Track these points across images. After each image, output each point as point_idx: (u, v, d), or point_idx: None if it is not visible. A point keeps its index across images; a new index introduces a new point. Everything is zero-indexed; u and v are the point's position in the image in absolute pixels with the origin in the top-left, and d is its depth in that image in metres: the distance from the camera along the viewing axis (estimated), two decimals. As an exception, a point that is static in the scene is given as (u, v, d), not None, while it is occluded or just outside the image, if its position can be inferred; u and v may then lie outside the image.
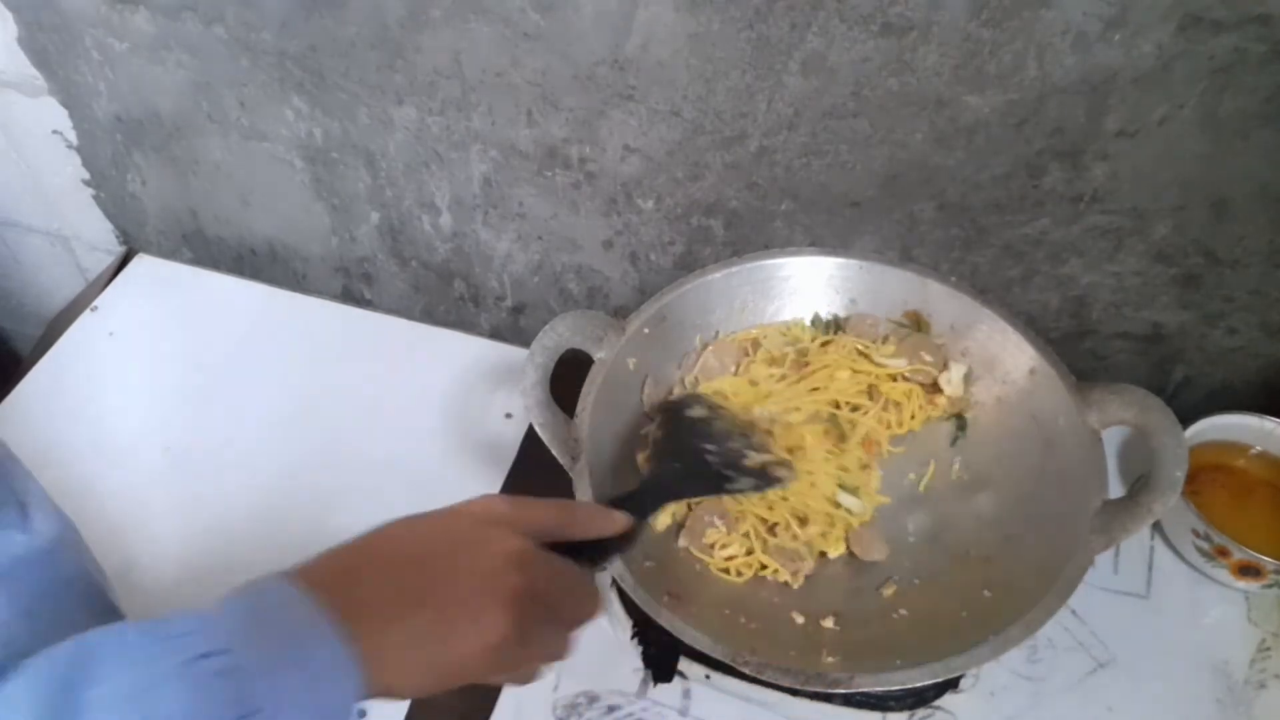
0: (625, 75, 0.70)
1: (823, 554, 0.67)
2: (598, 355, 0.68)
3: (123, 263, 0.98)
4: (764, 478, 0.62)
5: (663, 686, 0.66)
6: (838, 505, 0.67)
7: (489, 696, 0.66)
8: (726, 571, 0.66)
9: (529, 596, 0.40)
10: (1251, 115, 0.61)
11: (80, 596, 0.49)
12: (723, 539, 0.66)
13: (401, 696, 0.40)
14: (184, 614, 0.37)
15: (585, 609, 0.44)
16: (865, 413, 0.70)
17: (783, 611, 0.64)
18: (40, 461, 0.79)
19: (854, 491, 0.68)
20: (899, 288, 0.73)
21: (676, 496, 0.62)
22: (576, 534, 0.45)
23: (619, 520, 0.48)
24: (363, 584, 0.39)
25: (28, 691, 0.34)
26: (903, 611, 0.64)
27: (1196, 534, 0.67)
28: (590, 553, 0.46)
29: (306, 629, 0.36)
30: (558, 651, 0.44)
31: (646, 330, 0.70)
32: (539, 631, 0.42)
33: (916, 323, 0.73)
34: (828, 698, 0.64)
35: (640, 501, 0.52)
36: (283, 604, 0.37)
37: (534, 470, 0.75)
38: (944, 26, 0.61)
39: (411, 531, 0.42)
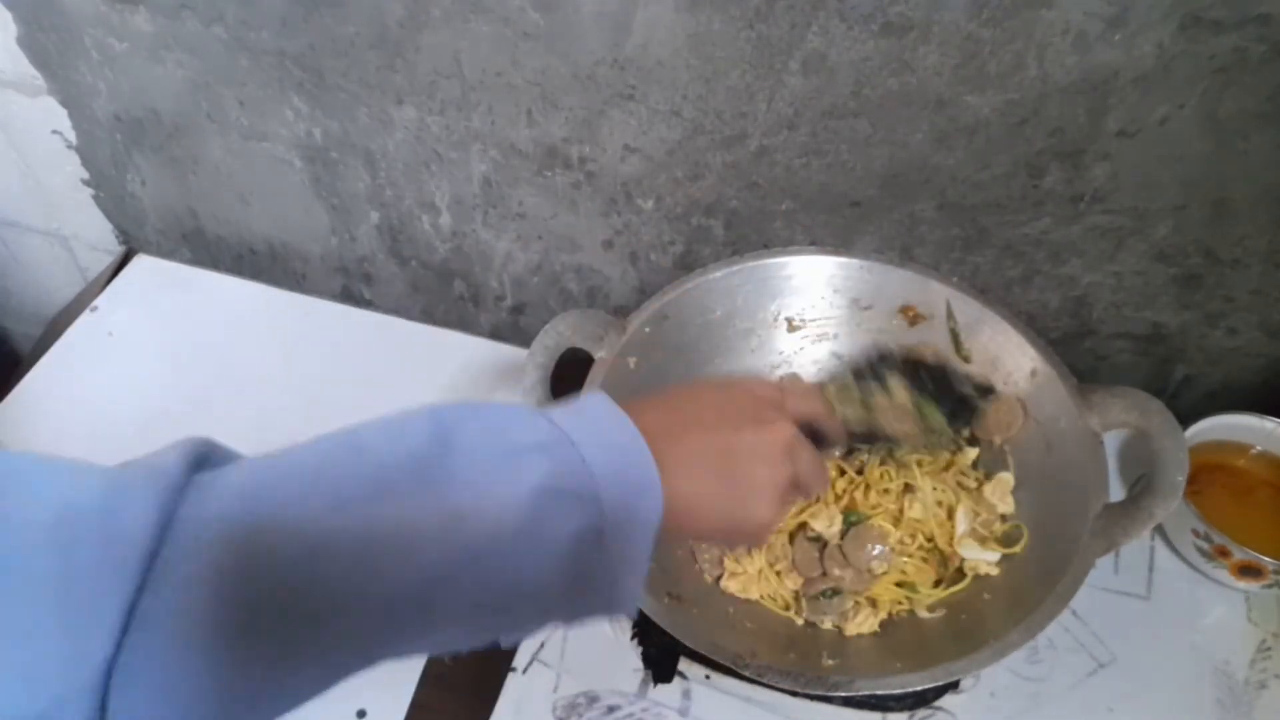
0: (625, 75, 0.70)
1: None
2: (598, 355, 0.68)
3: (122, 262, 0.98)
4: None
5: (663, 687, 0.66)
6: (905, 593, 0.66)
7: (489, 696, 0.66)
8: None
9: (793, 484, 0.48)
10: (1252, 115, 0.61)
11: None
12: (733, 568, 0.66)
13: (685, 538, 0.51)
14: (534, 414, 0.42)
15: (823, 487, 0.51)
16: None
17: (783, 613, 0.64)
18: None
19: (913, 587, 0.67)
20: (899, 288, 0.73)
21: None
22: (817, 423, 0.52)
23: (839, 431, 0.55)
24: (680, 443, 0.44)
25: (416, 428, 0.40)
26: (903, 615, 0.64)
27: (1197, 534, 0.67)
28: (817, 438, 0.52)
29: (640, 470, 0.42)
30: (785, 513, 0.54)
31: (647, 329, 0.70)
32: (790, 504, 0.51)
33: (914, 318, 0.73)
34: (828, 698, 0.64)
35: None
36: (615, 425, 0.43)
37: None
38: (944, 26, 0.61)
39: (714, 400, 0.48)
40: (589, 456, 0.40)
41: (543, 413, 0.42)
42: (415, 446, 0.38)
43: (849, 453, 0.70)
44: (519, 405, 0.44)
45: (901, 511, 0.67)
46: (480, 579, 0.38)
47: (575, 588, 0.41)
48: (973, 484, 0.68)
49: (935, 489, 0.67)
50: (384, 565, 0.36)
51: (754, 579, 0.65)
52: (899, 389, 0.62)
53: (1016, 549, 0.64)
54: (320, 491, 0.37)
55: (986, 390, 0.65)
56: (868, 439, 0.59)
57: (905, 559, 0.65)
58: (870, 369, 0.62)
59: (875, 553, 0.64)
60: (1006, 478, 0.67)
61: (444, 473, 0.38)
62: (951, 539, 0.66)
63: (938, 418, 0.61)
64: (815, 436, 0.51)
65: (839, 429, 0.55)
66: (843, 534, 0.66)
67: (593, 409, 0.43)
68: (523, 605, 0.40)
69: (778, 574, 0.66)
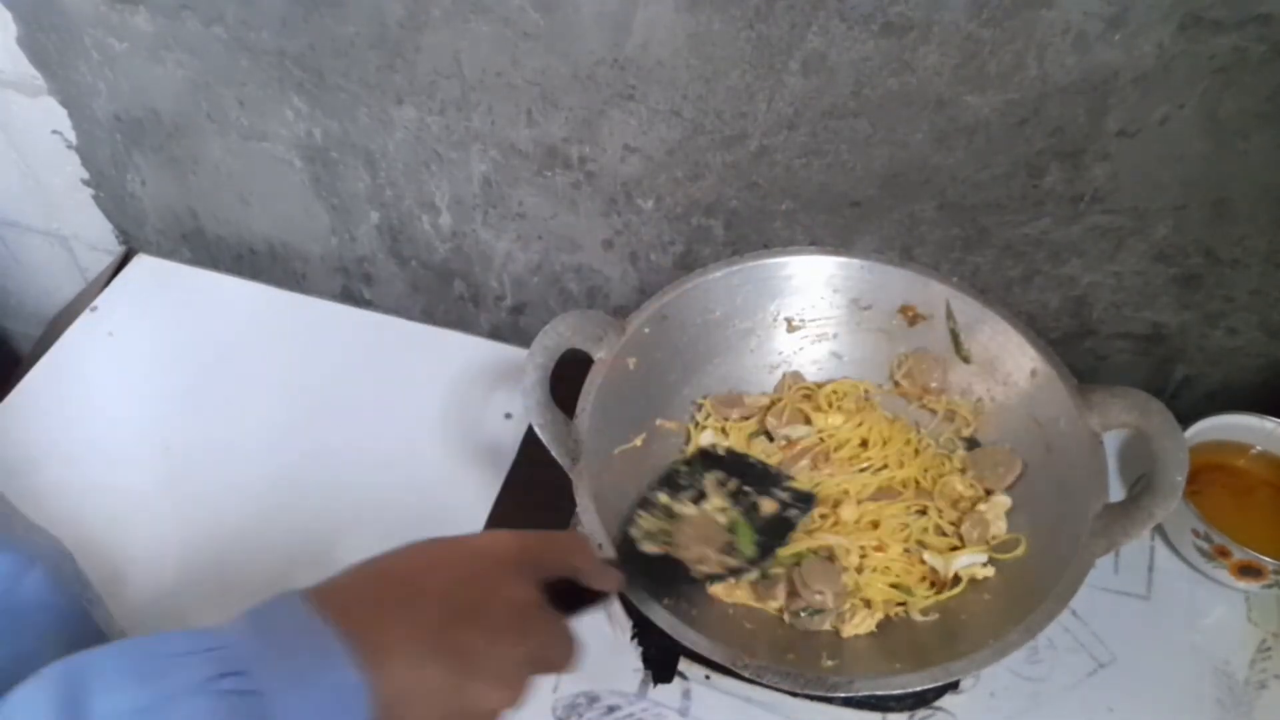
0: (625, 75, 0.70)
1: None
2: (598, 355, 0.68)
3: (122, 262, 0.98)
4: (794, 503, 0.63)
5: (662, 687, 0.66)
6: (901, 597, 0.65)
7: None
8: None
9: (531, 659, 0.43)
10: (1252, 115, 0.61)
11: (48, 624, 0.49)
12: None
13: None
14: (195, 633, 0.37)
15: (568, 663, 0.46)
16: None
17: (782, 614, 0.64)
18: (40, 461, 0.80)
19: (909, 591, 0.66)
20: (899, 287, 0.73)
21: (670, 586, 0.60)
22: (579, 579, 0.48)
23: (614, 580, 0.50)
24: (383, 620, 0.39)
25: (31, 709, 0.34)
26: (902, 615, 0.64)
27: (1197, 534, 0.67)
28: (574, 598, 0.48)
29: (325, 659, 0.37)
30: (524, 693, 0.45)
31: (647, 330, 0.70)
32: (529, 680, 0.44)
33: (913, 318, 0.73)
34: (828, 699, 0.64)
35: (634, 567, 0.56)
36: (301, 630, 0.38)
37: (533, 471, 0.75)
38: (944, 26, 0.61)
39: (430, 565, 0.43)
40: (266, 684, 0.36)
41: (211, 639, 0.37)
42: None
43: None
44: (182, 641, 0.37)
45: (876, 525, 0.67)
46: None
47: None
48: (967, 499, 0.68)
49: (908, 522, 0.67)
50: None
51: (736, 585, 0.65)
52: (716, 497, 0.63)
53: (1011, 555, 0.64)
54: None
55: (806, 499, 0.64)
56: (663, 569, 0.58)
57: (892, 560, 0.65)
58: (689, 473, 0.63)
59: (822, 595, 0.62)
60: (1003, 500, 0.67)
61: None
62: (945, 545, 0.66)
63: (748, 542, 0.61)
64: (577, 592, 0.48)
65: (609, 577, 0.49)
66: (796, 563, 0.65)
67: (277, 616, 0.38)
68: None
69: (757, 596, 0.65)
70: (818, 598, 0.62)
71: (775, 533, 0.62)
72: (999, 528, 0.66)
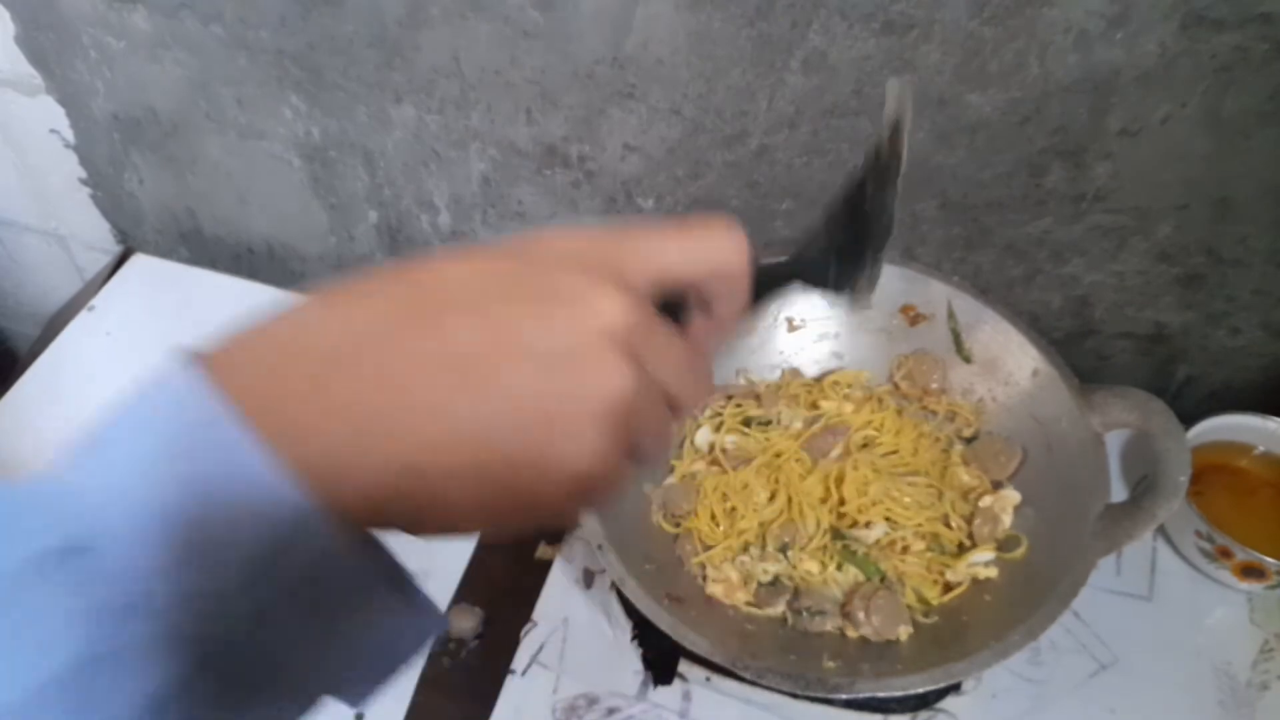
0: (625, 73, 0.70)
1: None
2: (597, 355, 0.68)
3: (120, 262, 0.98)
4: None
5: (662, 689, 0.66)
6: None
7: (488, 699, 0.66)
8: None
9: (635, 394, 0.27)
10: (1254, 114, 0.61)
11: None
12: (714, 574, 0.65)
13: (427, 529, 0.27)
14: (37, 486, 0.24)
15: (699, 393, 0.30)
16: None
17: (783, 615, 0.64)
18: (37, 461, 0.80)
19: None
20: (900, 287, 0.72)
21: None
22: (709, 282, 0.31)
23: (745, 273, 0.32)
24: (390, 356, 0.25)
25: None
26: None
27: (1199, 535, 0.67)
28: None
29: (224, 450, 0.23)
30: (654, 452, 0.29)
31: (646, 330, 0.69)
32: (640, 435, 0.28)
33: (914, 318, 0.73)
34: (829, 700, 0.64)
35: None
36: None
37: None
38: (945, 25, 0.61)
39: (468, 273, 0.26)
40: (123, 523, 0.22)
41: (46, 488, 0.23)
42: None
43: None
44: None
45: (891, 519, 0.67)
46: None
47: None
48: (976, 490, 0.68)
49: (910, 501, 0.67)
50: None
51: (736, 586, 0.64)
52: None
53: (1013, 555, 0.64)
54: None
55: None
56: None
57: (909, 558, 0.65)
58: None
59: (825, 610, 0.63)
60: (1013, 495, 0.66)
61: None
62: (955, 540, 0.66)
63: None
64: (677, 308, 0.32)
65: (749, 268, 0.32)
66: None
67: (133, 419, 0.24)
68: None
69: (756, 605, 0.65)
70: (868, 628, 0.61)
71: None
72: (1006, 522, 0.65)
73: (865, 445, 0.70)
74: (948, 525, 0.66)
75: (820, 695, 0.59)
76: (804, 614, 0.62)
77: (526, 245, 0.28)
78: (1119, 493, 0.62)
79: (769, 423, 0.72)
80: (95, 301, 0.93)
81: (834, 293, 0.41)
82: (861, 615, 0.61)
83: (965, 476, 0.68)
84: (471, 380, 0.25)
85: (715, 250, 0.31)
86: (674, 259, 0.29)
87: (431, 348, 0.25)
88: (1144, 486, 0.59)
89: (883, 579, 0.64)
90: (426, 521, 0.26)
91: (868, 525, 0.66)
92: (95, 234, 1.06)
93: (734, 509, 0.67)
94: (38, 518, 0.23)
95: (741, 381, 0.75)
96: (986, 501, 0.66)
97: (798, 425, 0.72)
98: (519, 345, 0.25)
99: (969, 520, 0.67)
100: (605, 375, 0.26)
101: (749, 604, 0.64)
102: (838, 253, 0.40)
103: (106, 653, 0.22)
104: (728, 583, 0.64)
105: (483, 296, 0.26)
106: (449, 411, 0.25)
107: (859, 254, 0.40)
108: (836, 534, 0.66)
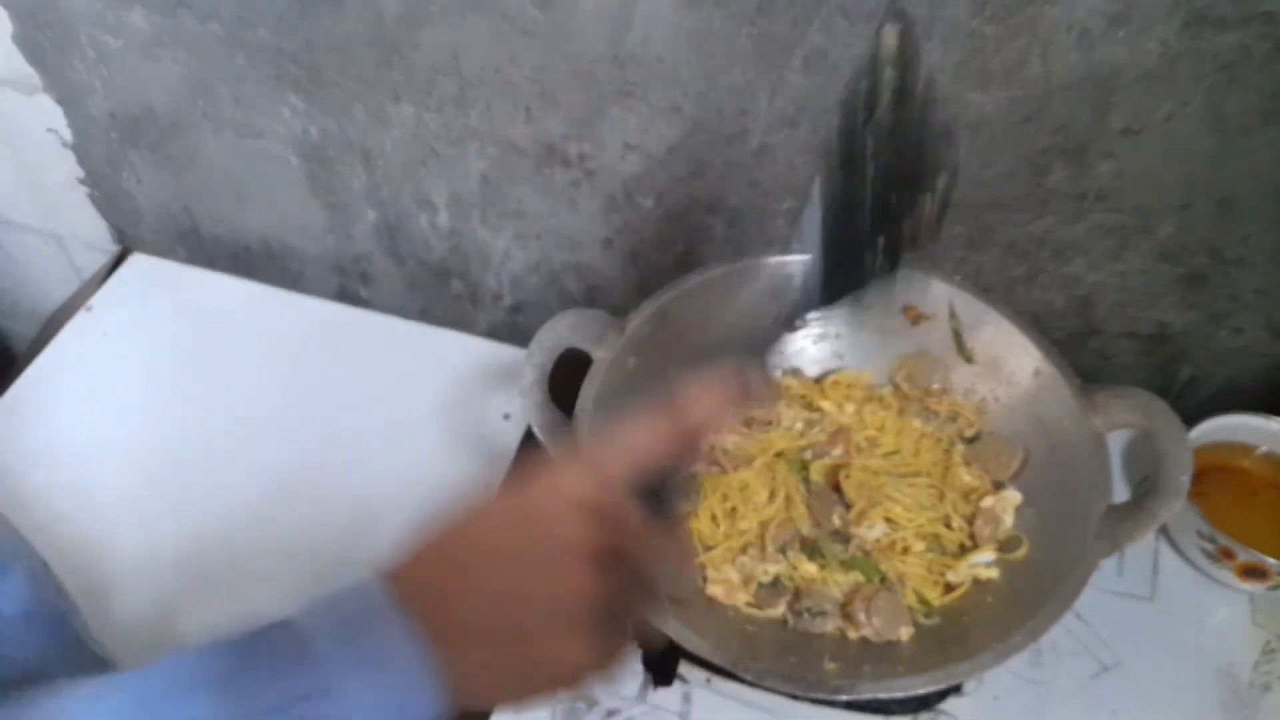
0: (625, 71, 0.69)
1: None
2: (597, 355, 0.67)
3: (117, 261, 0.98)
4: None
5: (663, 690, 0.65)
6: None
7: (487, 700, 0.65)
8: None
9: (608, 613, 0.39)
10: (1256, 113, 0.60)
11: (25, 630, 0.48)
12: (714, 575, 0.65)
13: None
14: (279, 643, 0.36)
15: (650, 600, 0.42)
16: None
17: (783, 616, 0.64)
18: (35, 461, 0.80)
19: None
20: (901, 287, 0.72)
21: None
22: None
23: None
24: (451, 603, 0.37)
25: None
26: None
27: (1201, 536, 0.67)
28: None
29: (398, 649, 0.35)
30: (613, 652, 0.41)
31: (647, 329, 0.69)
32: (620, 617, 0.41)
33: (916, 318, 0.72)
34: (830, 702, 0.63)
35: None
36: (374, 617, 0.36)
37: (533, 472, 0.74)
38: (947, 23, 0.61)
39: (500, 534, 0.39)
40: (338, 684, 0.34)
41: (292, 649, 0.35)
42: None
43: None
44: (259, 647, 0.36)
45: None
46: None
47: None
48: (977, 491, 0.68)
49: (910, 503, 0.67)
50: None
51: (737, 587, 0.64)
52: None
53: (1014, 555, 0.64)
54: None
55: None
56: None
57: (910, 559, 0.65)
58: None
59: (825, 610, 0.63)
60: (1014, 496, 0.66)
61: None
62: (956, 540, 0.66)
63: None
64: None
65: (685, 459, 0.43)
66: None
67: (353, 607, 0.37)
68: None
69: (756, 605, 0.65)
70: (869, 629, 0.61)
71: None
72: (1007, 523, 0.65)
73: (866, 447, 0.70)
74: (948, 526, 0.66)
75: (821, 697, 0.59)
76: (804, 615, 0.62)
77: (539, 492, 0.40)
78: (1121, 493, 0.61)
79: (769, 423, 0.72)
80: (93, 301, 0.93)
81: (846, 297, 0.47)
82: (862, 616, 0.61)
83: (966, 477, 0.68)
84: (506, 609, 0.38)
85: (680, 434, 0.42)
86: (645, 453, 0.41)
87: (486, 586, 0.38)
88: (1146, 487, 0.59)
89: (883, 580, 0.64)
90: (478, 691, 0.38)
91: (869, 526, 0.65)
92: (93, 233, 1.06)
93: (734, 509, 0.67)
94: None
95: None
96: (988, 503, 0.66)
97: (799, 426, 0.71)
98: (526, 583, 0.38)
99: (970, 521, 0.66)
100: (577, 585, 0.38)
101: (749, 605, 0.64)
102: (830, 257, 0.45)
103: None
104: (728, 584, 0.63)
105: (503, 549, 0.39)
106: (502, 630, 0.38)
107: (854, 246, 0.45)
108: (838, 535, 0.66)
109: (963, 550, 0.65)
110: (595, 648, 0.38)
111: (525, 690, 0.39)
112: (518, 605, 0.38)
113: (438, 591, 0.37)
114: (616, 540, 0.39)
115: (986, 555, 0.64)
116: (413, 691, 0.35)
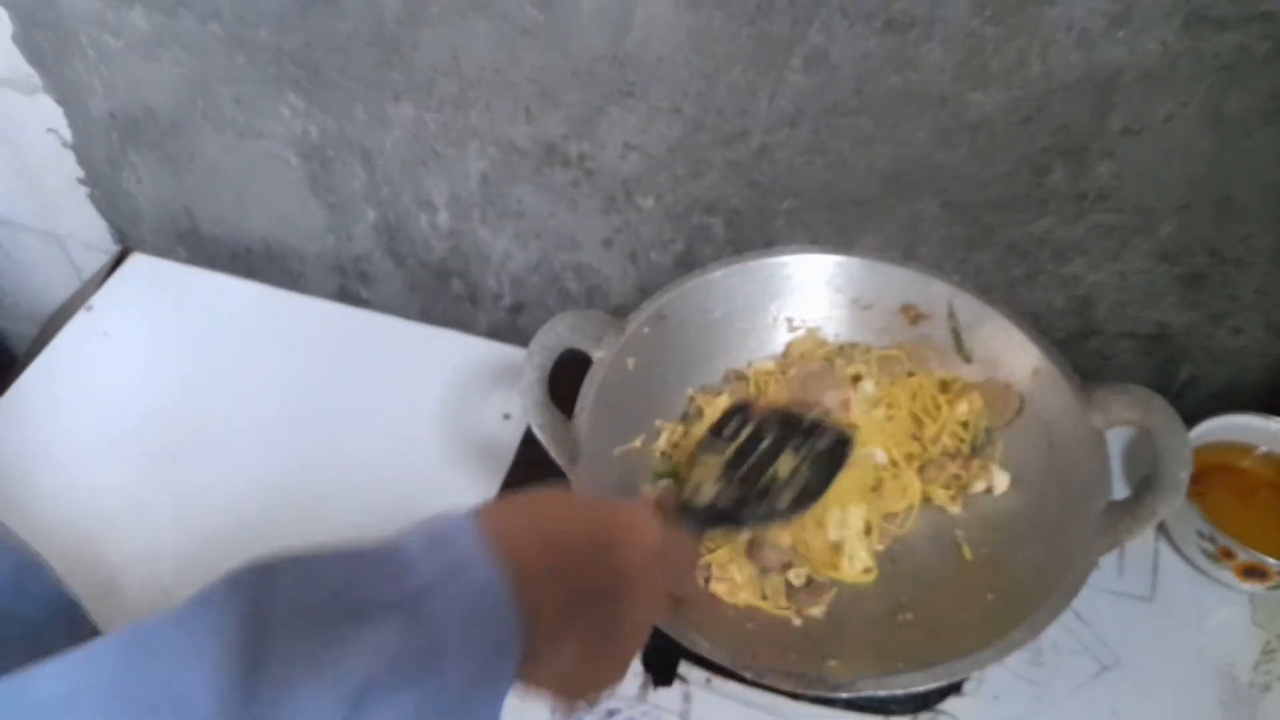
0: (625, 71, 0.69)
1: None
2: (596, 355, 0.67)
3: (117, 261, 0.98)
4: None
5: (663, 690, 0.65)
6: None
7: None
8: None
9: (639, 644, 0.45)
10: (1256, 113, 0.60)
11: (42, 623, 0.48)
12: (719, 573, 0.65)
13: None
14: (382, 574, 0.36)
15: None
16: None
17: (783, 611, 0.64)
18: (35, 462, 0.80)
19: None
20: (900, 287, 0.72)
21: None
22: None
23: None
24: (547, 598, 0.39)
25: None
26: (906, 615, 0.63)
27: (1201, 536, 0.67)
28: None
29: (495, 611, 0.37)
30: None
31: (646, 330, 0.69)
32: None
33: (915, 317, 0.72)
34: (830, 701, 0.63)
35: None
36: (489, 606, 0.37)
37: (532, 472, 0.74)
38: (947, 23, 0.61)
39: (596, 548, 0.42)
40: (441, 617, 0.35)
41: (390, 557, 0.37)
42: (214, 649, 0.31)
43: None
44: (361, 554, 0.37)
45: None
46: None
47: None
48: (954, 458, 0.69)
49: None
50: None
51: (741, 585, 0.64)
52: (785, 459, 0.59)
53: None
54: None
55: (844, 442, 0.61)
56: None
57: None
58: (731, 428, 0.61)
59: (777, 560, 0.64)
60: (1001, 476, 0.67)
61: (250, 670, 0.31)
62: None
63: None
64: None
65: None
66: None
67: (456, 547, 0.38)
68: None
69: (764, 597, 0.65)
70: (772, 556, 0.63)
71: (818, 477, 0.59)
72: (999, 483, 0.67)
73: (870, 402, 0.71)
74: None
75: (821, 695, 0.59)
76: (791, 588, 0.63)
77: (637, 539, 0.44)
78: (1121, 493, 0.61)
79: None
80: (93, 301, 0.93)
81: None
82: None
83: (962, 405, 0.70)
84: (581, 568, 0.41)
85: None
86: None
87: (566, 542, 0.42)
88: (1145, 483, 0.59)
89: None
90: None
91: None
92: (93, 233, 1.06)
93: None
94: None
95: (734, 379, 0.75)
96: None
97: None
98: (603, 556, 0.42)
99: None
100: (644, 634, 0.45)
101: (782, 609, 0.64)
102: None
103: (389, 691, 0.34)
104: (730, 582, 0.63)
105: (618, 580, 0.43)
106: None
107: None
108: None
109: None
110: (627, 667, 0.44)
111: (567, 694, 0.42)
112: (594, 567, 0.41)
113: (537, 578, 0.39)
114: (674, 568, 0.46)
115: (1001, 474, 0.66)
116: (498, 653, 0.36)
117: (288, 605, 0.34)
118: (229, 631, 0.32)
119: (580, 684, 0.43)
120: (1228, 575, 0.68)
